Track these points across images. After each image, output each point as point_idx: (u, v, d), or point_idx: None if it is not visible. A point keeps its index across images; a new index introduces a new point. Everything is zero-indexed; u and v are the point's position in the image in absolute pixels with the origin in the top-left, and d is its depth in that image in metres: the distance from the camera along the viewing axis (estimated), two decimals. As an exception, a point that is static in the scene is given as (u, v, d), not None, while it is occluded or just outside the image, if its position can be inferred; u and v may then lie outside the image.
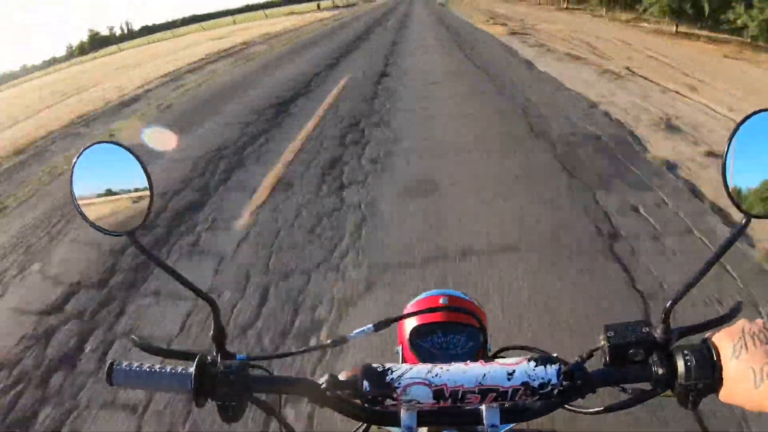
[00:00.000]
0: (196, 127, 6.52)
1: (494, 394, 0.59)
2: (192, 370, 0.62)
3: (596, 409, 0.67)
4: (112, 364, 0.64)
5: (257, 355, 0.66)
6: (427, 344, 0.86)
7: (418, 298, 0.93)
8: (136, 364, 0.64)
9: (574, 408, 0.67)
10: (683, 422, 1.72)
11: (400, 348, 0.90)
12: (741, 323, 0.55)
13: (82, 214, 0.63)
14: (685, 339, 0.62)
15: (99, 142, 0.62)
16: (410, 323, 0.89)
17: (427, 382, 0.59)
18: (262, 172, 4.57)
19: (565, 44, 10.40)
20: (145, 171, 0.61)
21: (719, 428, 1.70)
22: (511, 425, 0.65)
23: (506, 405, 0.62)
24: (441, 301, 0.80)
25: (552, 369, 0.60)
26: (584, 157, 4.16)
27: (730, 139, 0.58)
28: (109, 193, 0.63)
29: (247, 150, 5.30)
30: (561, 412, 0.69)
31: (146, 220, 0.62)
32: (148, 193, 0.61)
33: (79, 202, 0.63)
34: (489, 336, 0.84)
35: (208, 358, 0.64)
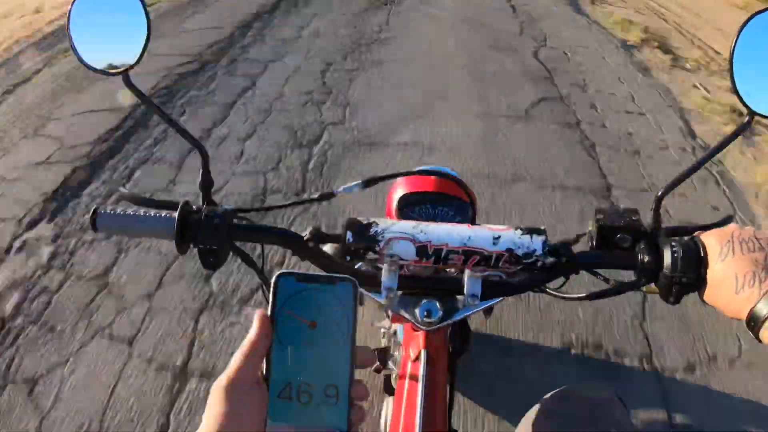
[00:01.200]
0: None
1: (478, 257, 0.60)
2: (175, 215, 0.62)
3: (577, 295, 0.67)
4: (96, 209, 0.64)
5: (242, 207, 0.66)
6: (415, 214, 0.86)
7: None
8: (120, 209, 0.64)
9: (555, 292, 0.67)
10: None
11: (387, 219, 0.90)
12: (732, 227, 0.55)
13: (76, 52, 0.62)
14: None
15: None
16: (399, 191, 0.88)
17: (411, 238, 0.59)
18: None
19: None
20: (144, 9, 0.60)
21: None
22: (492, 301, 0.65)
23: (489, 277, 0.62)
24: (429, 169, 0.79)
25: (538, 239, 0.60)
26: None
27: (736, 39, 0.58)
28: (107, 32, 0.62)
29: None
30: (542, 298, 0.69)
31: (140, 60, 0.61)
32: (145, 31, 0.61)
33: (75, 40, 0.62)
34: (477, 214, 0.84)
35: (194, 206, 0.64)
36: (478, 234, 0.60)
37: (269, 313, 0.41)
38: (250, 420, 0.39)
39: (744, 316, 0.49)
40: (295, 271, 0.41)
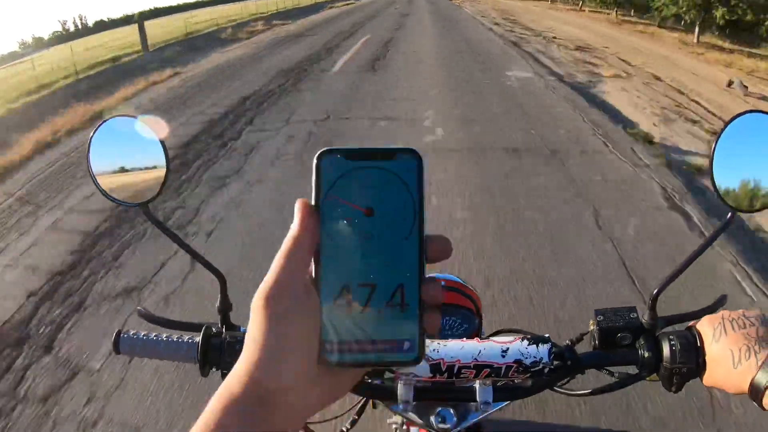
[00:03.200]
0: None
1: (488, 370, 0.63)
2: (198, 339, 0.64)
3: (584, 391, 0.70)
4: (119, 332, 0.66)
5: None
6: None
7: None
8: (143, 333, 0.66)
9: (562, 390, 0.70)
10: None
11: None
12: (721, 312, 0.58)
13: (97, 185, 0.64)
14: (670, 327, 0.66)
15: (118, 116, 0.64)
16: None
17: (425, 357, 0.62)
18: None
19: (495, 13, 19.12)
20: (163, 145, 0.63)
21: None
22: (503, 404, 0.68)
23: (499, 383, 0.66)
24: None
25: (544, 348, 0.63)
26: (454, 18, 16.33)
27: (718, 139, 0.61)
28: (126, 166, 0.65)
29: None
30: (550, 395, 0.72)
31: (160, 193, 0.64)
32: (164, 167, 0.63)
33: (96, 173, 0.64)
34: (483, 320, 0.88)
35: (213, 329, 0.66)
36: (488, 348, 0.63)
37: (313, 202, 0.33)
38: (297, 335, 0.32)
39: (746, 388, 0.51)
40: (341, 147, 0.34)
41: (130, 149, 0.65)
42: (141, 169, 0.65)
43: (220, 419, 0.32)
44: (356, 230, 0.33)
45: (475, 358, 0.62)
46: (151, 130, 0.63)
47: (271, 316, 0.32)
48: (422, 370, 0.62)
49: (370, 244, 0.33)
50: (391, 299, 0.33)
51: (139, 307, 0.73)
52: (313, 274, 0.33)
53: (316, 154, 0.33)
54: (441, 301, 0.34)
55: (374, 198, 0.33)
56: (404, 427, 1.08)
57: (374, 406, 0.84)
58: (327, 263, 0.33)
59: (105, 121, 0.64)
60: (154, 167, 0.64)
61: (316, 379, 0.33)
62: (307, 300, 0.33)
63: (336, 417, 0.81)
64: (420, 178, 0.33)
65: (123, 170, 0.66)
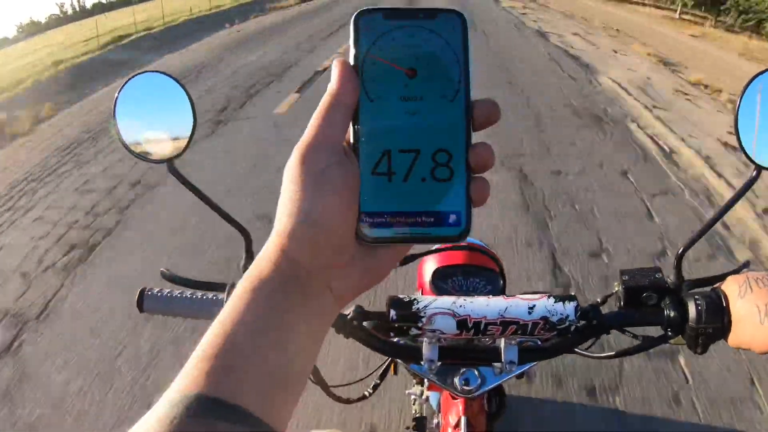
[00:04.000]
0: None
1: (515, 327, 0.62)
2: (222, 296, 0.64)
3: (608, 354, 0.70)
4: (143, 290, 0.66)
5: None
6: (447, 286, 0.89)
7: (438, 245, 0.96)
8: (167, 291, 0.66)
9: (586, 353, 0.70)
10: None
11: (419, 291, 0.93)
12: (746, 272, 0.58)
13: (123, 142, 0.65)
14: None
15: (144, 72, 0.64)
16: (431, 265, 0.91)
17: (451, 312, 0.62)
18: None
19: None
20: (190, 100, 0.63)
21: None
22: (527, 366, 0.67)
23: (525, 342, 0.65)
24: (462, 243, 0.83)
25: (570, 305, 0.63)
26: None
27: (742, 94, 0.61)
28: (153, 122, 0.65)
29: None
30: (573, 358, 0.71)
31: (186, 149, 0.64)
32: (191, 123, 0.64)
33: (122, 130, 0.65)
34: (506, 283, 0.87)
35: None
36: (514, 305, 0.63)
37: (351, 62, 0.31)
38: (336, 202, 0.29)
39: None
40: (380, 6, 0.32)
41: (157, 105, 0.66)
42: (168, 126, 0.65)
43: (248, 302, 0.30)
44: (398, 92, 0.31)
45: (502, 315, 0.62)
46: (179, 85, 0.63)
47: (308, 175, 0.29)
48: (449, 326, 0.62)
49: (413, 106, 0.31)
50: (436, 167, 0.31)
51: (162, 269, 0.73)
52: (351, 139, 0.31)
53: (353, 15, 0.32)
54: (491, 166, 0.32)
55: (417, 58, 0.31)
56: (423, 397, 1.08)
57: (395, 372, 0.83)
58: (366, 127, 0.31)
59: (132, 77, 0.64)
60: (181, 123, 0.64)
61: (355, 257, 0.31)
62: (347, 163, 0.30)
63: (358, 380, 0.81)
64: (465, 38, 0.32)
65: (149, 126, 0.66)
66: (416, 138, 0.31)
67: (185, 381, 0.27)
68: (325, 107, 0.31)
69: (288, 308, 0.30)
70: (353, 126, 0.31)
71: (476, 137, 0.32)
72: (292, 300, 0.30)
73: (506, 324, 0.62)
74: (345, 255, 0.31)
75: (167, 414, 0.26)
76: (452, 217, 0.31)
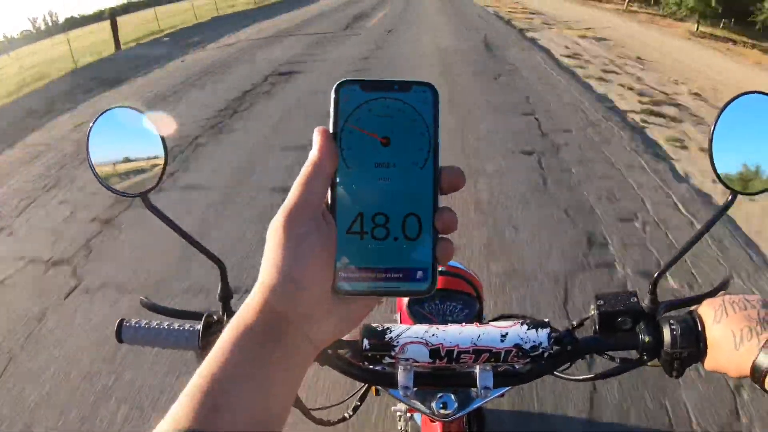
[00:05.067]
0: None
1: (487, 355, 0.63)
2: (199, 327, 0.65)
3: (584, 376, 0.70)
4: (121, 321, 0.67)
5: None
6: (425, 310, 0.89)
7: None
8: (144, 322, 0.67)
9: (563, 375, 0.70)
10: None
11: (398, 315, 0.93)
12: (721, 296, 0.58)
13: (97, 176, 0.65)
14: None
15: (116, 107, 0.64)
16: None
17: (424, 342, 0.62)
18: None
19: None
20: (162, 138, 0.63)
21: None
22: (503, 390, 0.68)
23: (499, 368, 0.66)
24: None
25: (543, 332, 0.63)
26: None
27: (717, 120, 0.60)
28: (124, 157, 0.66)
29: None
30: (551, 381, 0.72)
31: (159, 183, 0.64)
32: (162, 158, 0.64)
33: (95, 163, 0.65)
34: (484, 305, 0.88)
35: (214, 317, 0.67)
36: (486, 333, 0.63)
37: (331, 130, 0.34)
38: (314, 260, 0.33)
39: (747, 370, 0.50)
40: (359, 78, 0.35)
41: (129, 140, 0.66)
42: (140, 160, 0.66)
43: (233, 348, 0.32)
44: (372, 159, 0.33)
45: (474, 343, 0.62)
46: (150, 122, 0.63)
47: (289, 238, 0.32)
48: (421, 354, 0.63)
49: (386, 173, 0.33)
50: (405, 228, 0.33)
51: (141, 297, 0.74)
52: (329, 201, 0.34)
53: (334, 86, 0.34)
54: (455, 229, 0.34)
55: (390, 128, 0.34)
56: (408, 414, 1.09)
57: (377, 393, 0.84)
58: (343, 191, 0.33)
59: (104, 112, 0.64)
60: (154, 158, 0.65)
61: (331, 308, 0.34)
62: (324, 228, 0.33)
63: (338, 403, 0.82)
64: (435, 110, 0.34)
65: (122, 161, 0.66)
66: (388, 202, 0.33)
67: (177, 415, 0.30)
68: (306, 174, 0.33)
69: (269, 355, 0.33)
70: (331, 190, 0.34)
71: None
72: (273, 347, 0.33)
73: (479, 352, 0.63)
74: (322, 307, 0.34)
75: None
76: (419, 274, 0.34)
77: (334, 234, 0.33)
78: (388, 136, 0.34)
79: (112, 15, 14.64)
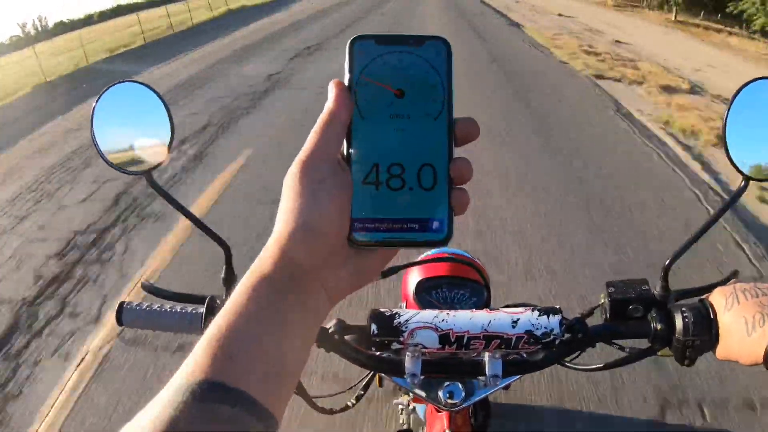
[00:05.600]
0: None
1: (498, 341, 0.61)
2: (202, 310, 0.63)
3: (594, 366, 0.69)
4: (122, 303, 0.65)
5: None
6: (432, 297, 0.88)
7: (423, 255, 0.94)
8: (146, 305, 0.65)
9: (572, 365, 0.69)
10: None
11: (404, 304, 0.92)
12: (732, 283, 0.57)
13: (100, 152, 0.64)
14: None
15: (121, 82, 0.63)
16: (415, 276, 0.90)
17: (433, 327, 0.61)
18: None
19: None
20: (167, 110, 0.62)
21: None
22: (512, 379, 0.66)
23: (509, 355, 0.64)
24: (447, 255, 0.82)
25: (554, 319, 0.62)
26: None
27: (730, 105, 0.60)
28: (130, 133, 0.64)
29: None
30: (560, 370, 0.71)
31: (163, 161, 0.63)
32: (168, 133, 0.62)
33: (99, 141, 0.64)
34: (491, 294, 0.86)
35: (218, 300, 0.65)
36: (498, 318, 0.62)
37: (346, 83, 0.35)
38: (330, 209, 0.33)
39: (761, 357, 0.49)
40: (373, 33, 0.35)
41: (135, 115, 0.65)
42: (145, 136, 0.64)
43: (249, 297, 0.32)
44: (388, 111, 0.34)
45: (485, 329, 0.61)
46: (156, 95, 0.62)
47: (306, 186, 0.33)
48: (431, 340, 0.61)
49: (401, 124, 0.34)
50: (420, 178, 0.33)
51: (143, 281, 0.72)
52: (345, 152, 0.34)
53: (349, 41, 0.35)
54: (470, 178, 0.34)
55: (405, 80, 0.34)
56: (410, 407, 1.07)
57: (380, 384, 0.82)
58: (359, 142, 0.34)
59: (108, 87, 0.63)
60: (158, 134, 0.63)
61: (347, 259, 0.34)
62: (339, 177, 0.33)
63: (342, 392, 0.80)
64: (449, 63, 0.35)
65: (127, 137, 0.65)
66: (403, 152, 0.34)
67: (191, 367, 0.30)
68: (322, 124, 0.34)
69: (286, 303, 0.32)
70: (347, 141, 0.34)
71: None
72: (289, 296, 0.32)
73: (489, 338, 0.61)
74: (338, 257, 0.34)
75: (174, 399, 0.28)
76: (435, 224, 0.34)
77: (350, 183, 0.34)
78: (402, 88, 0.34)
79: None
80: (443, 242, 0.34)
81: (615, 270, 2.49)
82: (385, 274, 0.67)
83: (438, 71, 0.34)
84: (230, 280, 0.66)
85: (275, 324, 0.32)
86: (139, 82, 0.62)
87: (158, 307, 0.65)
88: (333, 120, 0.34)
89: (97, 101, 0.64)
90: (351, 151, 0.34)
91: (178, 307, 0.65)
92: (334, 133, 0.34)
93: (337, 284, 0.35)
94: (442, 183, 0.34)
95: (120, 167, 0.64)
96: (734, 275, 0.67)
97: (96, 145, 0.64)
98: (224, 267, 0.66)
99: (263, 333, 0.31)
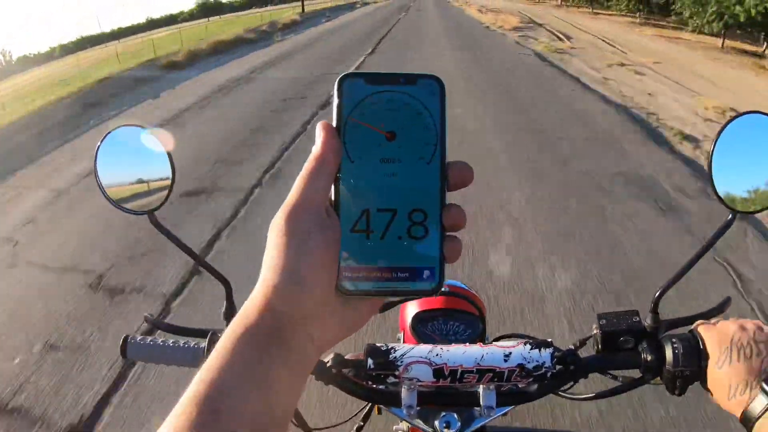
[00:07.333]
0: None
1: (491, 374, 0.63)
2: (203, 344, 0.65)
3: (587, 395, 0.70)
4: (126, 338, 0.67)
5: None
6: (428, 330, 0.89)
7: None
8: (150, 339, 0.67)
9: (566, 394, 0.70)
10: None
11: (401, 334, 0.93)
12: (733, 328, 0.57)
13: (104, 194, 0.66)
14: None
15: (125, 125, 0.65)
16: (412, 309, 0.92)
17: (428, 361, 0.62)
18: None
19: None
20: (169, 155, 0.64)
21: None
22: (506, 409, 0.68)
23: (502, 387, 0.65)
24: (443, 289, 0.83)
25: (546, 352, 0.63)
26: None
27: (716, 140, 0.61)
28: (132, 175, 0.66)
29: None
30: (554, 399, 0.72)
31: (165, 202, 0.65)
32: (169, 176, 0.64)
33: (102, 182, 0.66)
34: (487, 325, 0.88)
35: (219, 334, 0.67)
36: (490, 353, 0.63)
37: (335, 124, 0.33)
38: (318, 258, 0.31)
39: (738, 415, 0.52)
40: (363, 71, 0.33)
41: (137, 158, 0.67)
42: (147, 179, 0.66)
43: (234, 350, 0.31)
44: (378, 154, 0.32)
45: (478, 363, 0.62)
46: (157, 140, 0.64)
47: (293, 237, 0.31)
48: (425, 374, 0.62)
49: (392, 168, 0.32)
50: (412, 225, 0.32)
51: (146, 314, 0.74)
52: (333, 198, 0.33)
53: (337, 79, 0.33)
54: (463, 226, 0.33)
55: (396, 122, 0.32)
56: None
57: (379, 412, 0.84)
58: (347, 187, 0.32)
59: (111, 131, 0.65)
60: (160, 177, 0.65)
61: (335, 309, 0.33)
62: (327, 225, 0.32)
63: (341, 423, 0.81)
64: (442, 103, 0.33)
65: (130, 179, 0.67)
66: (394, 198, 0.32)
67: (176, 422, 0.29)
68: (309, 170, 0.32)
69: (271, 357, 0.31)
70: (335, 186, 0.33)
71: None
72: (275, 349, 0.31)
73: (482, 372, 0.63)
74: (325, 307, 0.33)
75: None
76: (426, 273, 0.33)
77: (338, 232, 0.32)
78: (394, 130, 0.32)
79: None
80: (434, 291, 0.33)
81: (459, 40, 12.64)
82: (382, 309, 0.69)
83: (431, 112, 0.33)
84: (231, 315, 0.68)
85: (261, 378, 0.31)
86: (139, 126, 0.64)
87: (162, 341, 0.67)
88: (320, 167, 0.32)
89: (100, 143, 0.66)
90: (339, 197, 0.32)
91: (181, 341, 0.67)
92: (322, 181, 0.32)
93: (324, 334, 0.33)
94: (434, 231, 0.32)
95: (123, 207, 0.66)
96: (725, 304, 0.68)
97: (99, 184, 0.66)
98: (225, 302, 0.68)
99: (249, 388, 0.30)
